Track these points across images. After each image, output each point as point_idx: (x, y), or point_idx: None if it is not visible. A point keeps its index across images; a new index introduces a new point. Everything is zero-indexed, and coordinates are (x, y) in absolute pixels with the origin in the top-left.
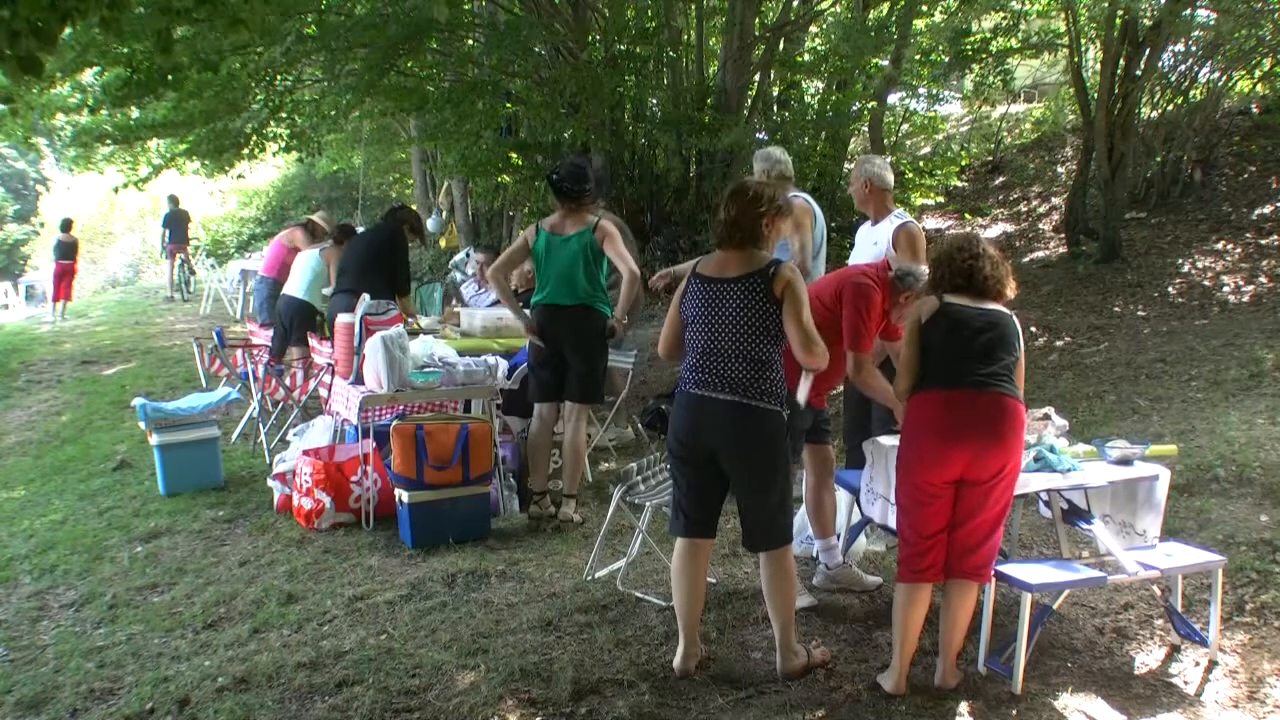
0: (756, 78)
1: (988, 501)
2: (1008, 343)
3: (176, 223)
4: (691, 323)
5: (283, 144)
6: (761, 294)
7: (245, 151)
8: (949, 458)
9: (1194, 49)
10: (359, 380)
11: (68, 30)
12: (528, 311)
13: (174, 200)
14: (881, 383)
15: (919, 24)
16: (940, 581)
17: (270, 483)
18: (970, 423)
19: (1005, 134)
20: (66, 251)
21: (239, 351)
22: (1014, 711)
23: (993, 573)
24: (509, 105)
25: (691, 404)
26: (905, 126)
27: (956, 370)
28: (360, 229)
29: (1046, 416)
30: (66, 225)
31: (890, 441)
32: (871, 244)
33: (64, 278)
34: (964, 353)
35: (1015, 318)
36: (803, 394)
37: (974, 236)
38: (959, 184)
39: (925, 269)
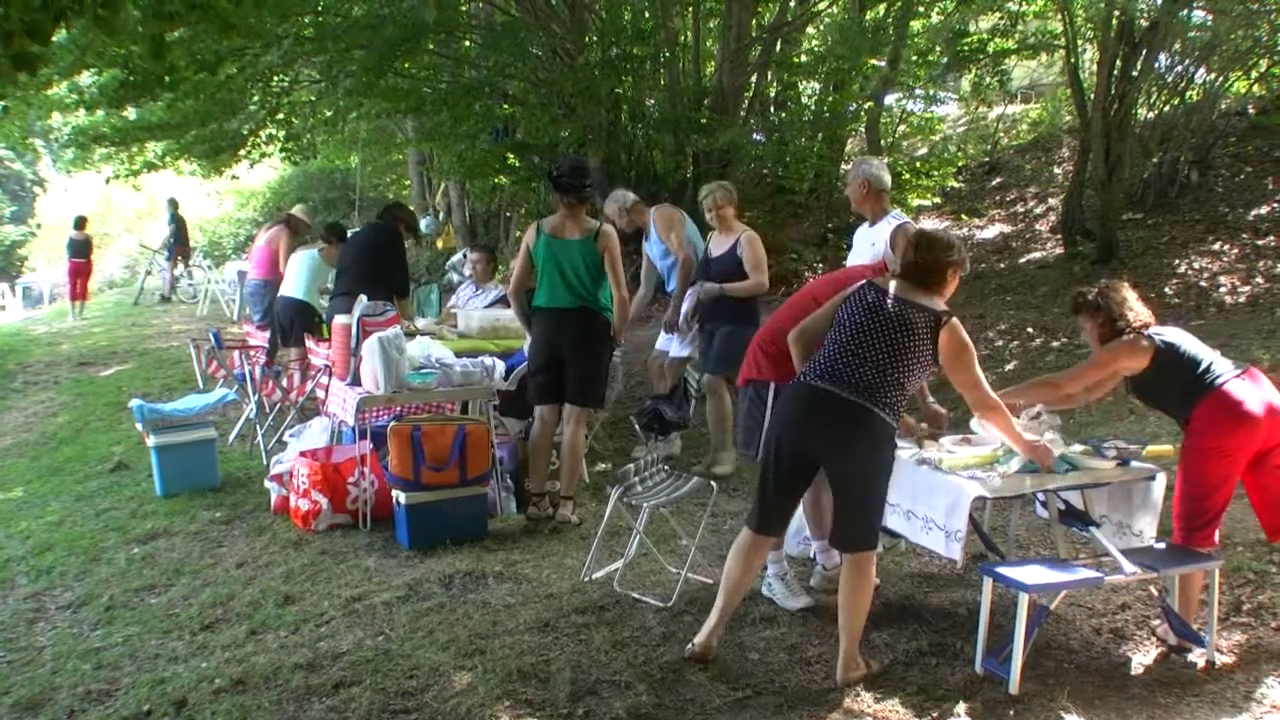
0: (753, 78)
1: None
2: None
3: (180, 227)
4: (844, 324)
5: (279, 146)
6: (926, 331)
7: (243, 154)
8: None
9: (1191, 50)
10: (356, 381)
11: (66, 33)
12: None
13: (174, 204)
14: None
15: (915, 25)
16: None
17: (267, 484)
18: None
19: (1002, 135)
20: (80, 249)
21: (235, 353)
22: (1011, 712)
23: None
24: (505, 107)
25: (810, 396)
26: (902, 127)
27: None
28: (354, 230)
29: (1039, 415)
30: (80, 223)
31: None
32: (869, 245)
33: (78, 276)
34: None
35: None
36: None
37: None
38: (955, 185)
39: None
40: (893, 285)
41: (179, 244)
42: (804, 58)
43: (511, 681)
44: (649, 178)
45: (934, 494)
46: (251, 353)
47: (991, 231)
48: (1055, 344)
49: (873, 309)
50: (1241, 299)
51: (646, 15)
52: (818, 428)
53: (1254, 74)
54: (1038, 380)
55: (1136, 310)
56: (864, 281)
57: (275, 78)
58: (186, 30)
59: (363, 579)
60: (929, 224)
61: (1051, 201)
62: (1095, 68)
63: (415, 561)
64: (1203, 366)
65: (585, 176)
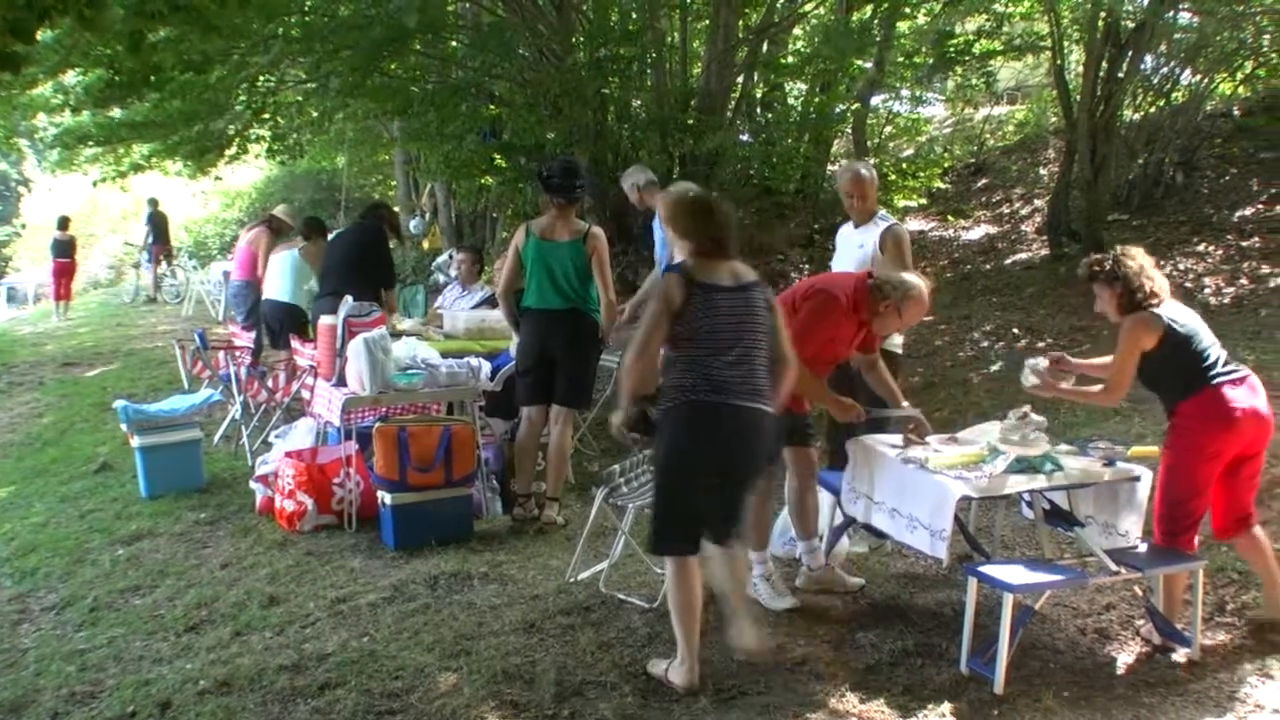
0: (740, 80)
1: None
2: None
3: (158, 225)
4: (714, 332)
5: (265, 146)
6: (764, 302)
7: (229, 153)
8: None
9: (1177, 52)
10: (341, 382)
11: (50, 32)
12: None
13: (154, 203)
14: (821, 388)
15: (902, 26)
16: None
17: (252, 485)
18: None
19: (988, 136)
20: (63, 249)
21: (221, 353)
22: (996, 712)
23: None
24: (492, 108)
25: (741, 416)
26: (888, 128)
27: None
28: (339, 229)
29: (1025, 415)
30: (63, 223)
31: (872, 441)
32: (857, 246)
33: (62, 276)
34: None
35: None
36: None
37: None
38: (942, 186)
39: (905, 277)
40: (713, 272)
41: (158, 243)
42: (791, 59)
43: (497, 682)
44: None
45: (920, 493)
46: (237, 353)
47: (977, 232)
48: (1040, 345)
49: (722, 310)
50: (1226, 300)
51: (634, 16)
52: (754, 444)
53: (1239, 76)
54: (1096, 391)
55: (1154, 279)
56: (675, 279)
57: (261, 78)
58: (172, 31)
59: (348, 580)
60: (915, 225)
61: (1037, 202)
62: (1081, 69)
63: (400, 562)
64: (1207, 361)
65: (576, 178)
